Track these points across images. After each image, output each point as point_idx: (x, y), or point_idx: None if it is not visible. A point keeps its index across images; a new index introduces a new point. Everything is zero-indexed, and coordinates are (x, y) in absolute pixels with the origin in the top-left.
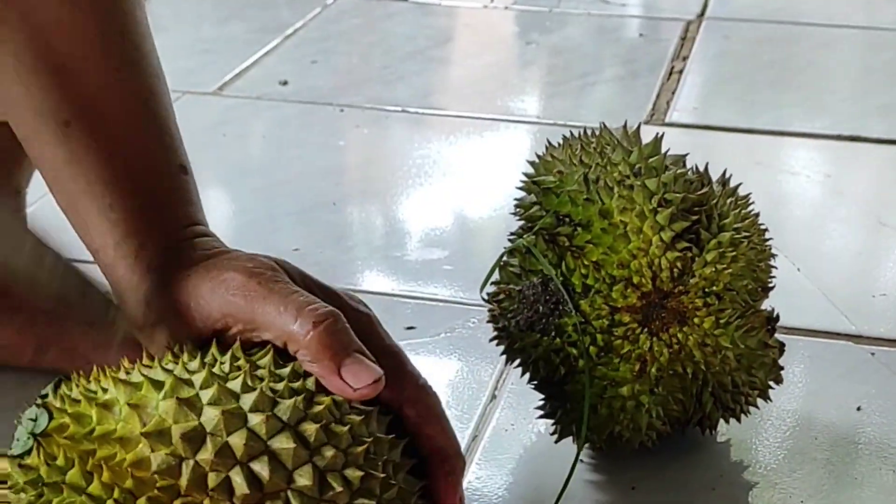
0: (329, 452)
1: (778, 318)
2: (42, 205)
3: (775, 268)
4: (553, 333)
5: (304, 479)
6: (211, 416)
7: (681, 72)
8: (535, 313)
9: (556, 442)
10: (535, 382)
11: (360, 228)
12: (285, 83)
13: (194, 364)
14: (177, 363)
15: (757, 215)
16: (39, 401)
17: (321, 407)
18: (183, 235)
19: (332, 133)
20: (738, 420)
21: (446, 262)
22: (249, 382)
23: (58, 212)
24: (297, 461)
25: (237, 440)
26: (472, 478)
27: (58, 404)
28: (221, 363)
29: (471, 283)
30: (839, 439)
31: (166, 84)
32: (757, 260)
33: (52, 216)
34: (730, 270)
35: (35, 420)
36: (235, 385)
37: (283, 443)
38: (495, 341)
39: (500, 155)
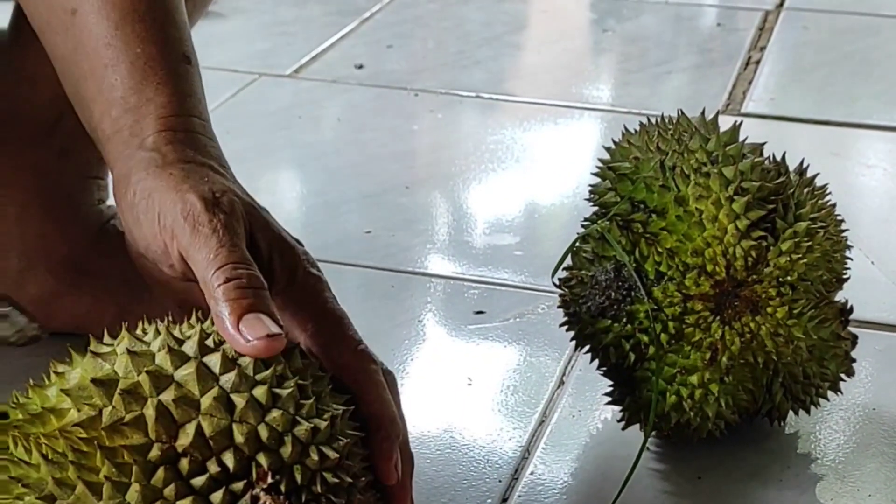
0: (232, 375)
1: (851, 309)
2: None
3: (850, 259)
4: (624, 320)
5: (209, 400)
6: (122, 362)
7: (758, 62)
8: (606, 299)
9: (624, 429)
10: (605, 369)
11: (432, 212)
12: (361, 67)
13: (119, 337)
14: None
15: (833, 206)
16: None
17: (227, 345)
18: (181, 124)
19: (406, 117)
20: (808, 412)
21: (517, 247)
22: (160, 330)
23: None
24: (203, 386)
25: (144, 376)
26: (538, 462)
27: (12, 403)
28: (142, 330)
29: (540, 269)
30: None
31: None
32: (832, 251)
33: None
34: (805, 260)
35: None
36: (148, 337)
37: (187, 370)
38: (565, 327)
39: (573, 142)
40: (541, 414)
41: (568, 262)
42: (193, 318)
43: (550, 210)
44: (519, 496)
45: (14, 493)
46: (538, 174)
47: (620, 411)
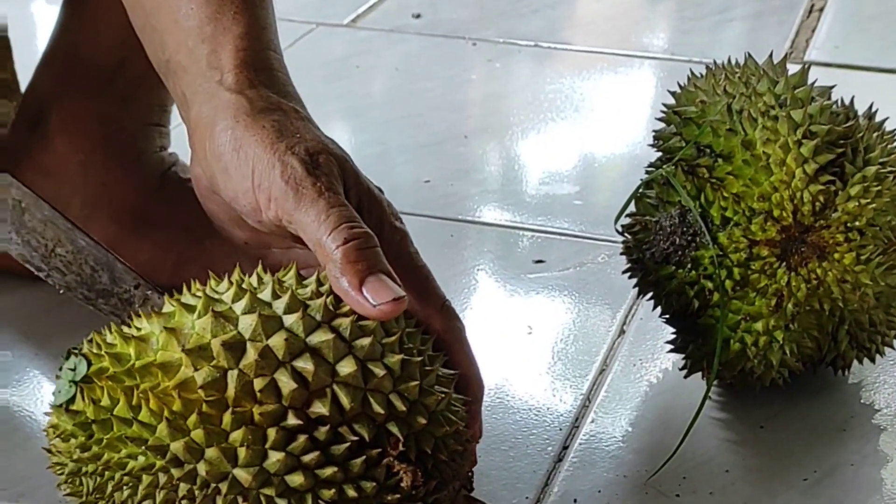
0: (365, 342)
1: None
2: None
3: None
4: (689, 266)
5: (346, 368)
6: (248, 323)
7: (821, 9)
8: (671, 245)
9: (686, 377)
10: (667, 316)
11: (490, 162)
12: (418, 16)
13: (222, 286)
14: (204, 289)
15: None
16: (76, 351)
17: (349, 307)
18: (260, 61)
19: (463, 67)
20: (873, 360)
21: (576, 196)
22: (278, 291)
23: None
24: (337, 353)
25: (277, 341)
26: (599, 411)
27: (95, 350)
28: (249, 280)
29: (601, 218)
30: None
31: None
32: None
33: None
34: (874, 205)
35: (74, 369)
36: (266, 294)
37: (321, 337)
38: (627, 274)
39: (631, 91)
40: (601, 363)
41: (631, 208)
42: (292, 272)
43: (609, 159)
44: (579, 444)
45: (124, 452)
46: (596, 123)
47: (683, 359)
